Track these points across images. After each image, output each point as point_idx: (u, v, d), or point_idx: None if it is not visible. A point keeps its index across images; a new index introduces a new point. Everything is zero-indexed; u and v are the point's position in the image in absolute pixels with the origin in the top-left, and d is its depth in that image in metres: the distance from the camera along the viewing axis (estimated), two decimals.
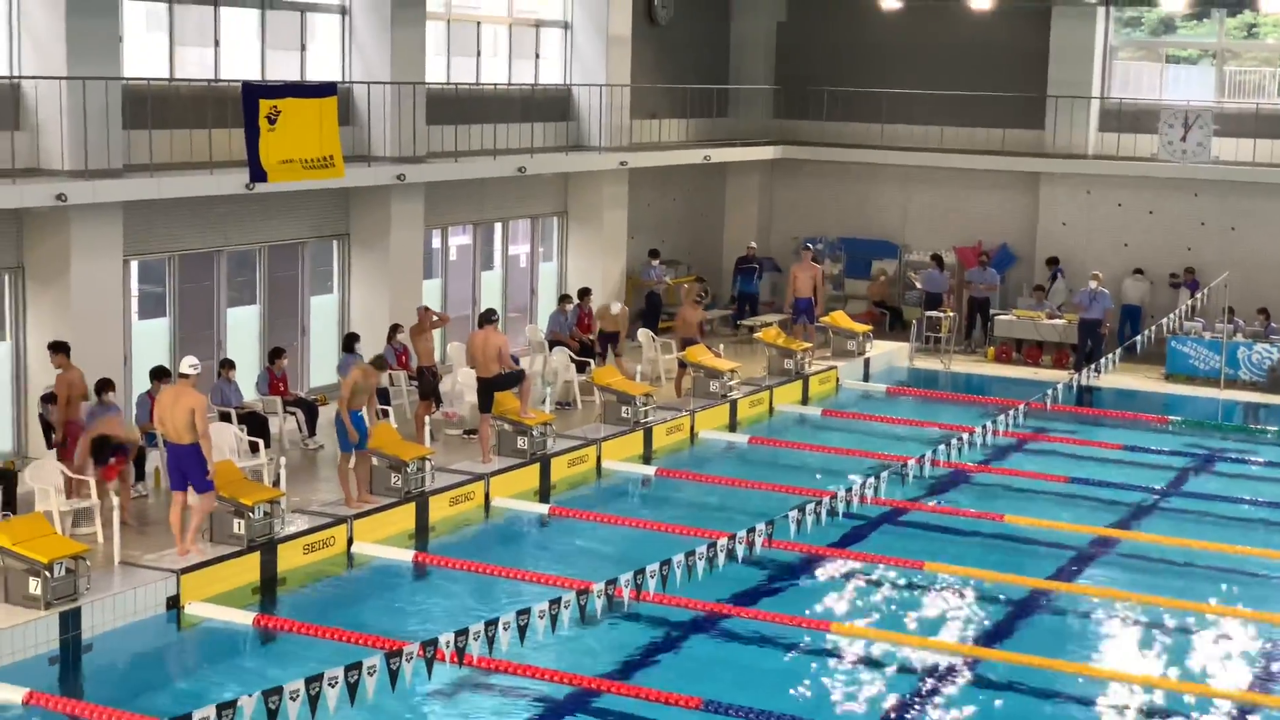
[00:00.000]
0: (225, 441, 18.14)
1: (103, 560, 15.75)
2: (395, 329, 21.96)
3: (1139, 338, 24.54)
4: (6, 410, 18.98)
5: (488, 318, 20.57)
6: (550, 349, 24.43)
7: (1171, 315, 25.40)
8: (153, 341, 20.78)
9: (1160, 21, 32.09)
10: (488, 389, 20.17)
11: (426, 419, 20.52)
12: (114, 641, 14.75)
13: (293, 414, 20.67)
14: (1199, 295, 27.04)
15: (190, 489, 16.05)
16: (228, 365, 19.86)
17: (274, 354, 20.90)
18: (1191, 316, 27.59)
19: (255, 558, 16.31)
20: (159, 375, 18.32)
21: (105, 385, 17.35)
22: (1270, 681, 14.83)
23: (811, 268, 28.05)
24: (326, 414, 21.09)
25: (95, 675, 14.38)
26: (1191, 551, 18.45)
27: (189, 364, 16.24)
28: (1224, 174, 29.40)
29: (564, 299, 25.43)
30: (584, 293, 25.54)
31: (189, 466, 15.95)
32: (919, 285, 30.96)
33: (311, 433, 20.72)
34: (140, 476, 18.03)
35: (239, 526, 16.33)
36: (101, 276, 19.13)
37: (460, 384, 22.08)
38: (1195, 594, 16.97)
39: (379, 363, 19.12)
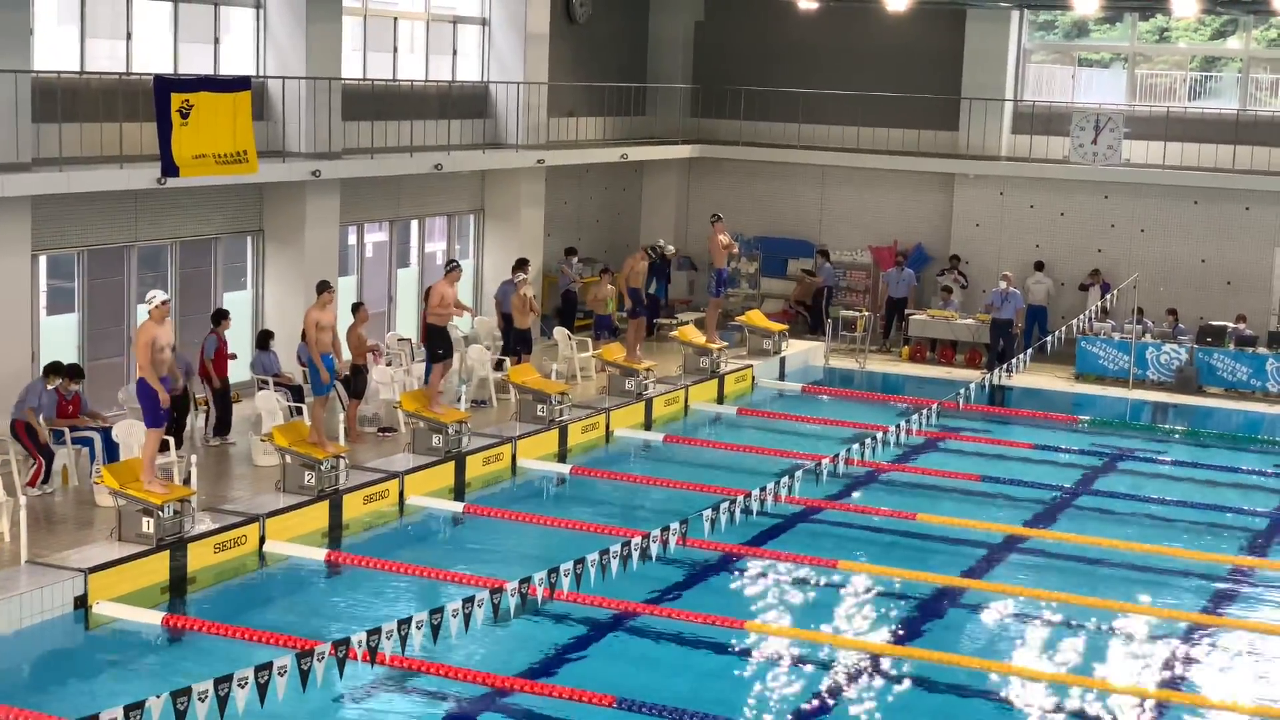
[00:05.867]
0: (135, 439, 17.91)
1: (9, 558, 15.52)
2: None
3: (1050, 338, 24.81)
4: None
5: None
6: (467, 346, 24.36)
7: (1082, 316, 25.71)
8: (62, 337, 20.49)
9: (1073, 25, 32.49)
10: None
11: (354, 417, 20.51)
12: (20, 641, 14.54)
13: (205, 410, 20.44)
14: (1109, 296, 27.40)
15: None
16: None
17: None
18: (1101, 317, 27.94)
19: (164, 557, 16.10)
20: (63, 372, 18.07)
21: None
22: (1176, 679, 15.05)
23: (725, 233, 27.44)
24: (240, 410, 20.92)
25: (0, 675, 14.16)
26: (1099, 549, 18.70)
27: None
28: (1134, 176, 29.80)
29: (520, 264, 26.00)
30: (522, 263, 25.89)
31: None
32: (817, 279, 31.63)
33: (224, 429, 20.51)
34: (47, 477, 17.75)
35: (148, 525, 16.12)
36: (9, 272, 18.84)
37: (376, 381, 21.93)
38: (1103, 591, 17.17)
39: (322, 285, 19.45)
